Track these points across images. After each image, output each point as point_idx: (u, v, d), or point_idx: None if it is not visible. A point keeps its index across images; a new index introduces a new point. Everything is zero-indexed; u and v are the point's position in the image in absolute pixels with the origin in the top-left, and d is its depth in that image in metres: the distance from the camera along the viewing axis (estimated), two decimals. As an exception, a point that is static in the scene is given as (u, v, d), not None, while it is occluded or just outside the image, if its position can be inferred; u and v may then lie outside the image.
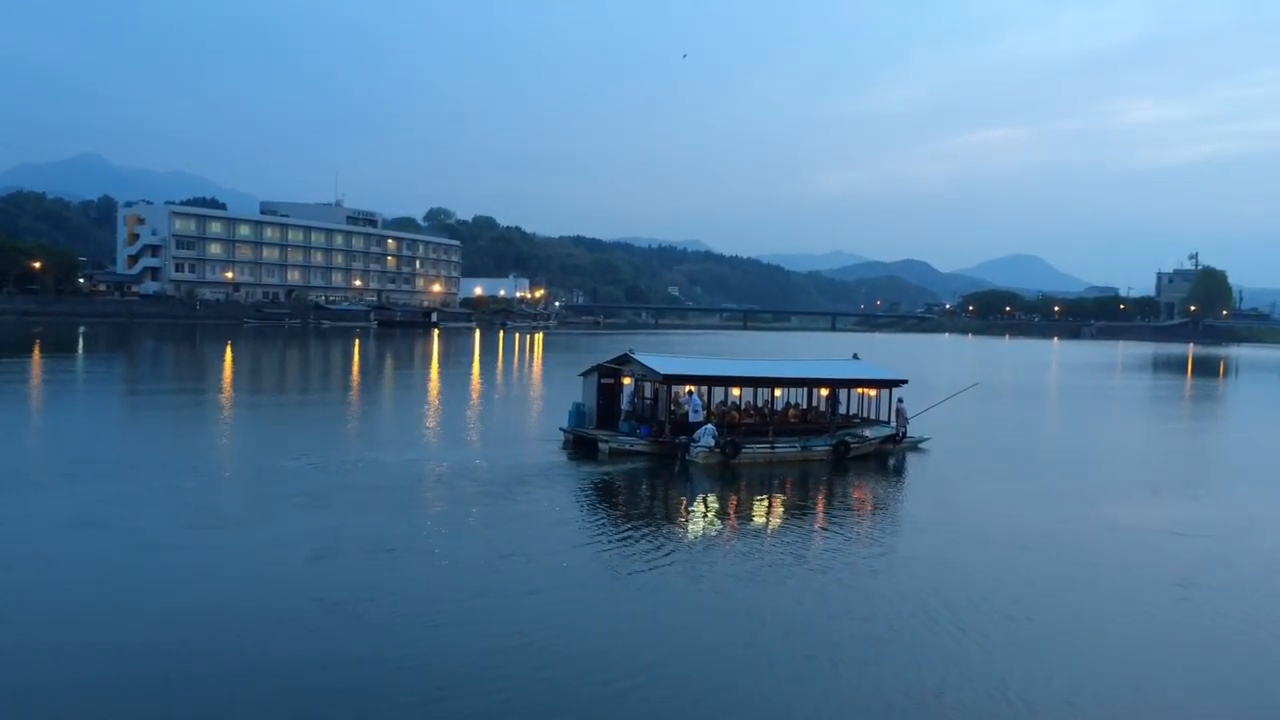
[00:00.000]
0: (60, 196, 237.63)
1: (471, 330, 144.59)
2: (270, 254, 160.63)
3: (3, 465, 25.06)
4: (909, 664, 13.12)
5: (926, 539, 20.53)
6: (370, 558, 17.38)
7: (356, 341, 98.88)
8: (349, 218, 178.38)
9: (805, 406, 33.29)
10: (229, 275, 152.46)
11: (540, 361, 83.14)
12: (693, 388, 30.61)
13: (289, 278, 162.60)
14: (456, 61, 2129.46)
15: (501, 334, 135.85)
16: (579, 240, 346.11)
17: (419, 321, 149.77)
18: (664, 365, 30.60)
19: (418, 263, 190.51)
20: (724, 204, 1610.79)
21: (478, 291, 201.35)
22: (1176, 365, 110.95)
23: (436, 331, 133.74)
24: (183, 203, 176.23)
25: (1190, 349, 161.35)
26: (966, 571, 17.89)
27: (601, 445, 29.52)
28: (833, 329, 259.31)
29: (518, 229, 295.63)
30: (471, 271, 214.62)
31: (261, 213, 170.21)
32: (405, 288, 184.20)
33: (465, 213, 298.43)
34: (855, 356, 36.66)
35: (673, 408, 30.32)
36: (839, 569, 17.83)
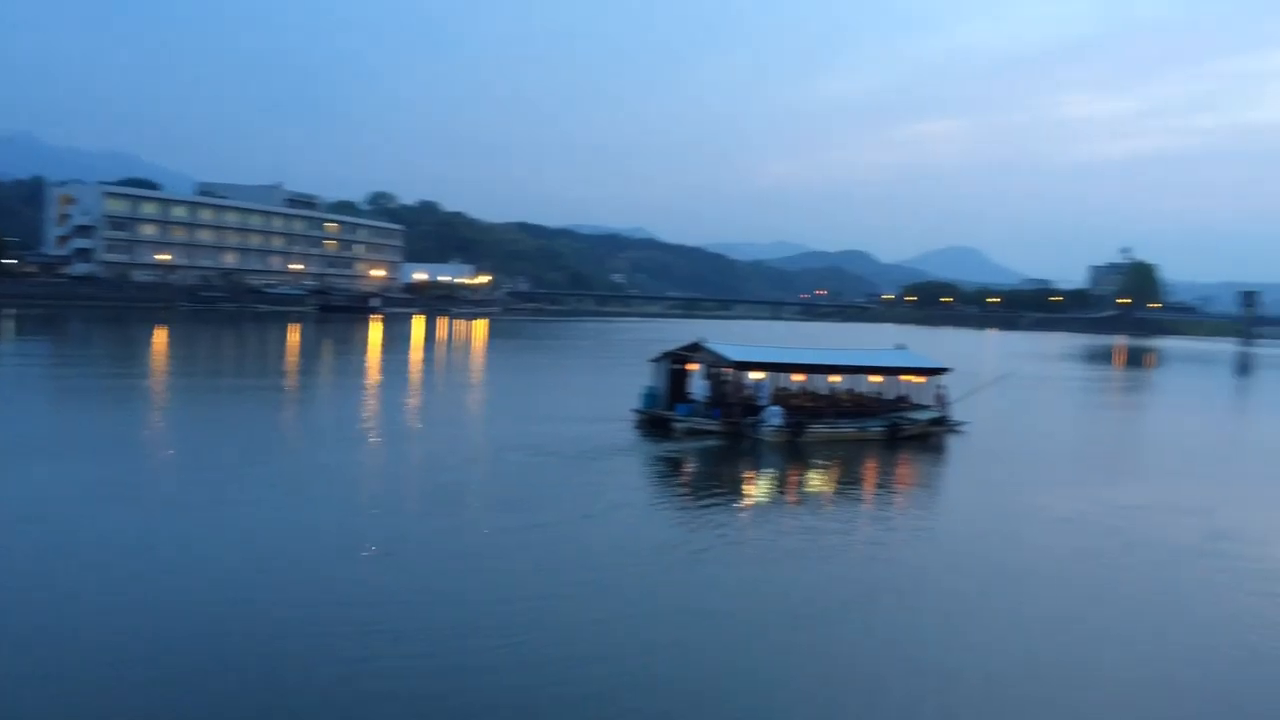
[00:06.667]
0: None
1: (413, 316, 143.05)
2: (206, 236, 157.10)
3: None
4: (920, 635, 14.17)
5: (966, 516, 22.68)
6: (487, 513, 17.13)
7: (297, 326, 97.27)
8: (288, 200, 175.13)
9: (856, 391, 36.02)
10: (163, 257, 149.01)
11: (484, 348, 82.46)
12: (760, 374, 33.11)
13: (225, 260, 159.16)
14: (401, 46, 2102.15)
15: (444, 320, 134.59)
16: (523, 226, 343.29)
17: (359, 306, 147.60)
18: (735, 353, 33.58)
19: (359, 247, 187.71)
20: (669, 192, 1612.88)
21: (420, 277, 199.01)
22: (1109, 357, 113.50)
23: (378, 317, 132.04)
24: (116, 183, 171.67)
25: (1121, 341, 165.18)
26: (1000, 549, 19.70)
27: (677, 424, 32.11)
28: (775, 318, 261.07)
29: (461, 214, 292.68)
30: (414, 257, 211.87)
31: (198, 194, 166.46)
32: (345, 272, 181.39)
33: (408, 197, 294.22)
34: (901, 347, 39.38)
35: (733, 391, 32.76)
36: (894, 544, 19.78)
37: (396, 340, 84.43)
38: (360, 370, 54.22)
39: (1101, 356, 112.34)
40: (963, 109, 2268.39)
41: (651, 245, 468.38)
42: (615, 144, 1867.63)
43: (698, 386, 33.36)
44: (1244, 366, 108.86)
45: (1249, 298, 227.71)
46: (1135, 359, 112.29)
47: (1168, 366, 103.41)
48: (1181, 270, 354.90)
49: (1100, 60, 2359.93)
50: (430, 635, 13.02)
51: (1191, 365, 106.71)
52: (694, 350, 33.83)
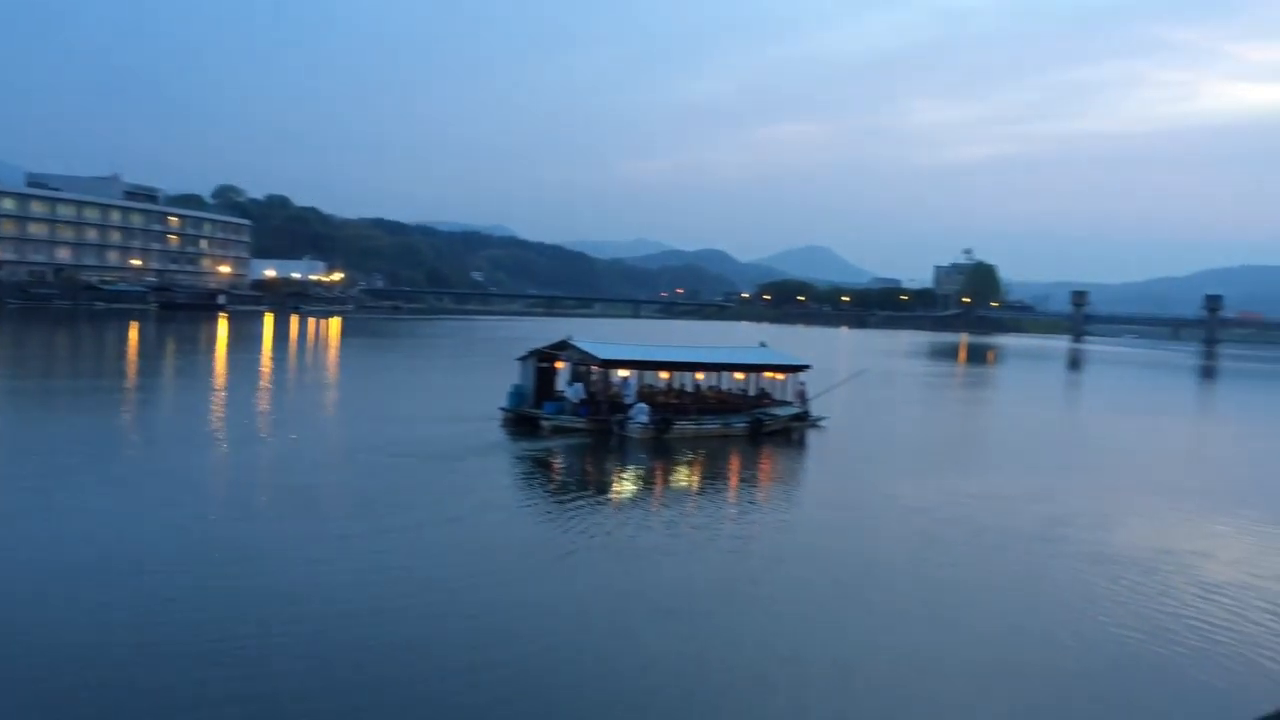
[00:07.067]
0: None
1: (263, 314, 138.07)
2: (37, 230, 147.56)
3: None
4: (783, 628, 14.32)
5: (823, 508, 23.49)
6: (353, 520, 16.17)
7: (137, 324, 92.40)
8: (127, 193, 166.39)
9: (721, 388, 36.77)
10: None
11: (338, 347, 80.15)
12: (625, 372, 33.40)
13: (59, 256, 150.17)
14: (248, 33, 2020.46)
15: (295, 318, 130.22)
16: (379, 223, 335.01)
17: (204, 304, 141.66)
18: (603, 351, 33.72)
19: (203, 242, 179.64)
20: (530, 189, 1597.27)
21: (270, 273, 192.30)
22: (954, 353, 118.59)
23: (225, 315, 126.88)
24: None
25: (964, 338, 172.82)
26: (856, 538, 20.22)
27: (544, 422, 32.15)
28: (635, 316, 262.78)
29: (314, 209, 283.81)
30: (264, 253, 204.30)
31: (28, 185, 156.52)
32: (189, 268, 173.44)
33: (257, 191, 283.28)
34: (762, 344, 40.42)
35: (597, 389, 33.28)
36: (751, 536, 20.26)
37: (245, 339, 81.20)
38: (206, 370, 51.86)
39: (946, 353, 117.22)
40: (817, 112, 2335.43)
41: (512, 243, 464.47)
42: (475, 140, 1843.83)
43: (572, 387, 33.34)
44: (1075, 362, 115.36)
45: (1079, 297, 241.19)
46: (977, 355, 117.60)
47: (1006, 362, 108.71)
48: (1019, 270, 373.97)
49: (943, 69, 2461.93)
50: (284, 642, 12.40)
51: (1028, 361, 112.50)
52: (561, 348, 33.87)
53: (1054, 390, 73.64)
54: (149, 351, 65.20)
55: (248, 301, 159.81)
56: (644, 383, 34.25)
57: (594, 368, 33.26)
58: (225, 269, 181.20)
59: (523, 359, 35.00)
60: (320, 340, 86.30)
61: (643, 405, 31.86)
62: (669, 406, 33.50)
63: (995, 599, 16.26)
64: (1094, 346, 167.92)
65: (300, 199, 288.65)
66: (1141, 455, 35.65)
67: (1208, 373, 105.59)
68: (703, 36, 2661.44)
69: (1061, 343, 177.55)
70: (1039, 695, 12.38)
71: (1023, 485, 26.93)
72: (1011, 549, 19.55)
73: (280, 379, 48.98)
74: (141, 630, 12.68)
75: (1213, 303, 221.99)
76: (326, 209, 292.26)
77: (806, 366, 37.87)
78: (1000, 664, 13.31)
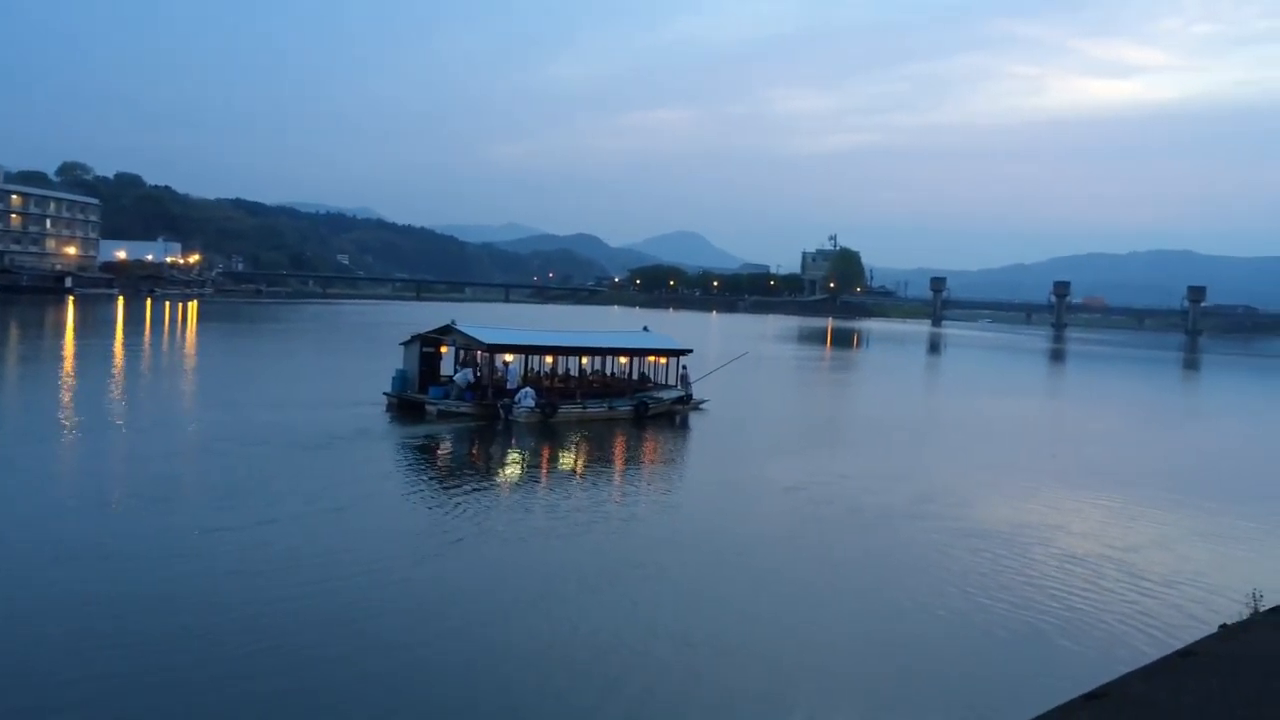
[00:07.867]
0: None
1: (114, 298, 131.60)
2: None
3: None
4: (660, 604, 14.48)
5: (707, 489, 24.01)
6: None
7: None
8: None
9: (606, 372, 37.20)
10: None
11: (197, 332, 76.99)
12: (511, 356, 33.33)
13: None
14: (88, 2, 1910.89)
15: (150, 302, 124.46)
16: (239, 203, 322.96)
17: (50, 287, 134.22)
18: (488, 335, 33.66)
19: (48, 222, 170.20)
20: (397, 172, 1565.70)
21: (120, 255, 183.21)
22: (821, 337, 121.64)
23: (72, 298, 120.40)
24: None
25: (830, 322, 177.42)
26: (739, 518, 20.56)
27: (430, 407, 31.85)
28: (507, 300, 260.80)
29: (168, 188, 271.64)
30: (114, 234, 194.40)
31: None
32: (33, 249, 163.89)
33: (106, 169, 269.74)
34: (645, 329, 40.83)
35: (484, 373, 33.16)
36: (637, 518, 20.32)
37: (95, 324, 77.27)
38: (53, 357, 49.04)
39: (814, 337, 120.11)
40: (686, 99, 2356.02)
41: (378, 225, 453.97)
42: (340, 119, 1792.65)
43: (460, 372, 33.02)
44: (935, 346, 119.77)
45: (938, 283, 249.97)
46: (843, 339, 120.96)
47: (871, 346, 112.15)
48: (881, 257, 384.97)
49: (807, 59, 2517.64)
50: (149, 653, 11.74)
51: (891, 345, 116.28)
52: (445, 333, 33.65)
53: (916, 373, 76.28)
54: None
55: (98, 285, 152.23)
56: (529, 367, 34.19)
57: (480, 352, 33.07)
58: (72, 250, 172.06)
59: (406, 343, 34.59)
60: (178, 325, 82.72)
61: (529, 389, 31.98)
62: (554, 391, 33.71)
63: (871, 573, 16.80)
64: (952, 330, 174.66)
65: (153, 177, 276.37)
66: (997, 435, 37.22)
67: (1055, 355, 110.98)
68: (572, 21, 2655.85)
69: (922, 327, 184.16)
70: (914, 663, 12.83)
71: (892, 464, 27.92)
72: (884, 526, 20.24)
73: (135, 365, 46.76)
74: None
75: (1060, 289, 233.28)
76: (181, 188, 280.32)
77: (689, 351, 38.55)
78: (877, 635, 13.75)
